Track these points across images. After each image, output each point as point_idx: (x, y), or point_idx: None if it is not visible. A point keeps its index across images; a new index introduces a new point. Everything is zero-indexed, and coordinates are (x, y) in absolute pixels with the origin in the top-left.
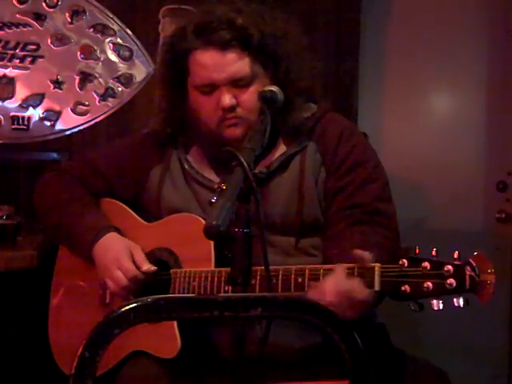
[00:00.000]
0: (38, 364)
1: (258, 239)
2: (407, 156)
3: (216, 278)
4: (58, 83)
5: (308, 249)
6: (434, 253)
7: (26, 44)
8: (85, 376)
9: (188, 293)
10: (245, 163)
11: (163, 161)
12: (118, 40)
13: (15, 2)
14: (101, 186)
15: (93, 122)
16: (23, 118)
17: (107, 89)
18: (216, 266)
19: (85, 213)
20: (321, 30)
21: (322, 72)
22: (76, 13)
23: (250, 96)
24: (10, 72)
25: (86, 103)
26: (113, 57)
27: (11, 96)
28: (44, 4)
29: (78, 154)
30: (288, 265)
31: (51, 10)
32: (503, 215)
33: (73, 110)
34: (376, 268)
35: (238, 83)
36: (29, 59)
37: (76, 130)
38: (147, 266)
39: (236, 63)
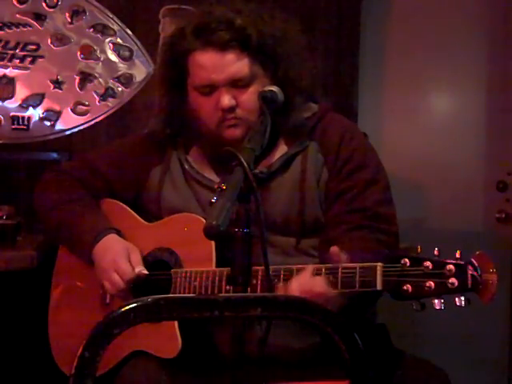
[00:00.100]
0: (37, 364)
1: (259, 239)
2: (407, 156)
3: (217, 278)
4: (58, 83)
5: (308, 249)
6: (436, 252)
7: (26, 44)
8: (85, 376)
9: (189, 293)
10: (245, 163)
11: (163, 161)
12: (118, 40)
13: (15, 2)
14: (101, 187)
15: (93, 122)
16: (23, 117)
17: (107, 89)
18: (217, 266)
19: (85, 214)
20: (321, 30)
21: (321, 72)
22: (76, 13)
23: (249, 96)
24: (10, 72)
25: (86, 103)
26: (113, 57)
27: (11, 96)
28: (44, 4)
29: (77, 155)
30: (288, 265)
31: (51, 10)
32: (503, 215)
33: (73, 110)
34: (378, 267)
35: (237, 84)
36: (29, 59)
37: (76, 129)
38: (138, 269)
39: (235, 64)
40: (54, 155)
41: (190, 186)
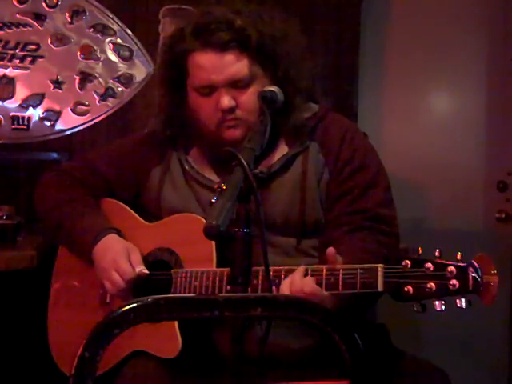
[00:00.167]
0: (37, 364)
1: (259, 239)
2: (407, 156)
3: (217, 278)
4: (58, 83)
5: (308, 250)
6: (437, 253)
7: (26, 44)
8: (85, 376)
9: (189, 293)
10: (245, 163)
11: (163, 161)
12: (118, 40)
13: (15, 2)
14: (101, 187)
15: (93, 122)
16: (23, 117)
17: (107, 89)
18: (217, 267)
19: (85, 213)
20: (321, 30)
21: (321, 72)
22: (76, 13)
23: (249, 97)
24: (10, 72)
25: (86, 103)
26: (113, 57)
27: (11, 96)
28: (44, 4)
29: (78, 155)
30: (288, 265)
31: (51, 10)
32: (503, 215)
33: (73, 110)
34: (379, 269)
35: (236, 84)
36: (29, 59)
37: (76, 129)
38: (139, 269)
39: (235, 64)
40: (54, 155)
41: (190, 186)
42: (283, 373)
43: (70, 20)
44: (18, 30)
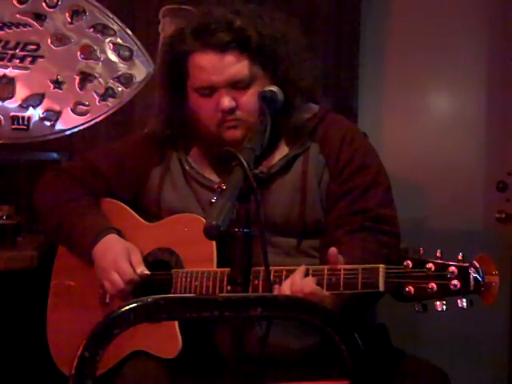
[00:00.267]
0: (37, 364)
1: (259, 239)
2: (407, 156)
3: (218, 279)
4: (58, 83)
5: (309, 250)
6: (438, 254)
7: (26, 44)
8: (85, 376)
9: (189, 293)
10: (245, 163)
11: (163, 161)
12: (118, 40)
13: (15, 2)
14: (101, 187)
15: (93, 122)
16: (23, 117)
17: (107, 89)
18: (218, 267)
19: (85, 214)
20: (321, 30)
21: (321, 72)
22: (76, 13)
23: (249, 98)
24: (10, 72)
25: (86, 103)
26: (113, 57)
27: (11, 96)
28: (44, 4)
29: (78, 155)
30: (289, 266)
31: (51, 10)
32: (503, 215)
33: (73, 110)
34: (380, 269)
35: (237, 85)
36: (29, 59)
37: (76, 129)
38: (140, 270)
39: (235, 65)
40: (54, 155)
41: (190, 186)
42: (283, 373)
43: (70, 20)
44: (18, 30)
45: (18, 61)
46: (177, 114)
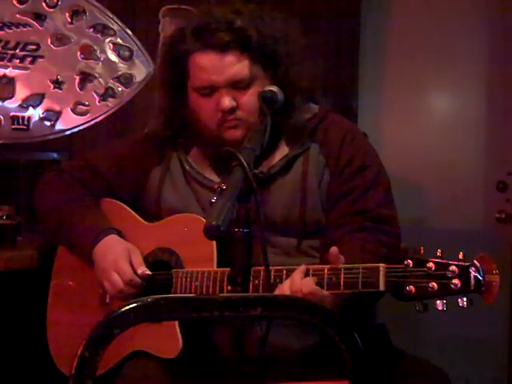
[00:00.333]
0: (37, 364)
1: (259, 239)
2: (407, 156)
3: (218, 278)
4: (57, 83)
5: (309, 250)
6: (438, 253)
7: (26, 44)
8: (85, 376)
9: (190, 293)
10: (245, 163)
11: (163, 161)
12: (118, 40)
13: (15, 2)
14: (101, 187)
15: (93, 122)
16: (23, 117)
17: (107, 89)
18: (218, 267)
19: (85, 214)
20: (321, 30)
21: (321, 72)
22: (76, 13)
23: (249, 98)
24: (10, 72)
25: (86, 103)
26: (113, 57)
27: (11, 96)
28: (44, 4)
29: (78, 155)
30: (289, 265)
31: (51, 10)
32: (503, 215)
33: (73, 110)
34: (381, 268)
35: (237, 85)
36: (29, 59)
37: (76, 129)
38: (141, 270)
39: (235, 65)
40: (54, 155)
41: (190, 186)
42: (283, 373)
43: (69, 20)
44: (18, 30)
45: (17, 61)
46: (177, 114)
